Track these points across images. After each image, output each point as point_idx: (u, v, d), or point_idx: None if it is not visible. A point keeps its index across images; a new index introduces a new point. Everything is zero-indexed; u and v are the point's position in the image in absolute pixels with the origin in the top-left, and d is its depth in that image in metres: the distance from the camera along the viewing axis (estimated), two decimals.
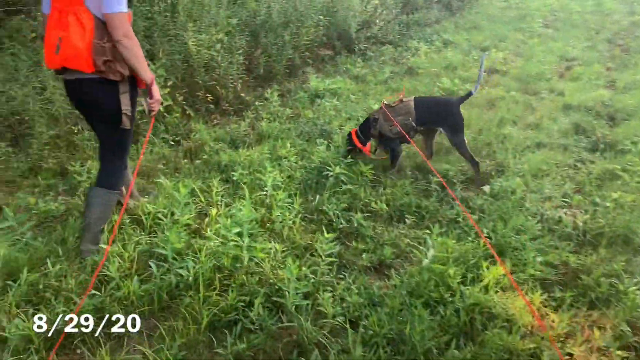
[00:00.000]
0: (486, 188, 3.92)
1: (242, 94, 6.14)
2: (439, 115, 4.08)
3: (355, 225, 3.38)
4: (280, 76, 6.87)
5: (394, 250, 3.19)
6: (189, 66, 5.54)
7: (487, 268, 2.80)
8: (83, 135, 4.33)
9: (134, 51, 2.65)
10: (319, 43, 7.92)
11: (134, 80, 2.86)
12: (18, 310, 2.49)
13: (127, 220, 3.28)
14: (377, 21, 8.72)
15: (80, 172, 3.83)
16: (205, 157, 4.42)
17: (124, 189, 3.29)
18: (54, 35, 2.63)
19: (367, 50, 8.38)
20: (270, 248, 2.94)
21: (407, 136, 3.99)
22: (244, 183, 3.81)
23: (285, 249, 3.06)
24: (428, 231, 3.36)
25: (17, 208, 3.49)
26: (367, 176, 3.99)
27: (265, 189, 3.53)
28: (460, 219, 3.52)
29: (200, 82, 5.56)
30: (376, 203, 3.66)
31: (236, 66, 6.00)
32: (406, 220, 3.52)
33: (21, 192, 3.78)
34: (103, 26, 2.59)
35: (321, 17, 7.50)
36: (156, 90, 2.94)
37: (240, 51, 6.09)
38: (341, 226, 3.40)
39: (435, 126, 4.16)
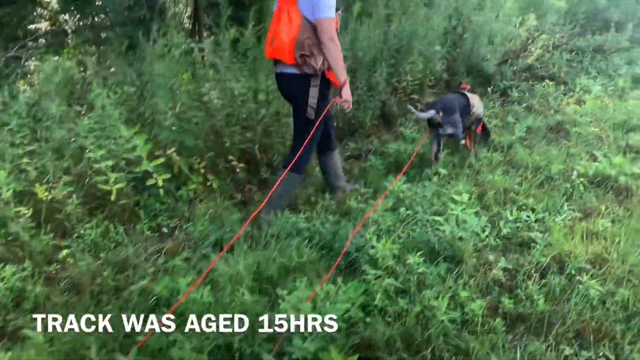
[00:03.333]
0: None
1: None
2: None
3: None
4: (365, 129, 5.18)
5: None
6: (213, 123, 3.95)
7: None
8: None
9: (335, 54, 3.04)
10: (437, 79, 5.98)
11: (328, 81, 3.21)
12: None
13: None
14: (532, 49, 6.39)
15: None
16: None
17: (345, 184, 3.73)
18: (272, 29, 3.13)
19: (510, 89, 6.16)
20: None
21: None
22: None
23: None
24: None
25: None
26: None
27: None
28: None
29: (228, 143, 3.94)
30: None
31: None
32: None
33: None
34: (308, 26, 3.00)
35: (438, 47, 5.58)
36: (346, 91, 3.20)
37: None
38: None
39: None
